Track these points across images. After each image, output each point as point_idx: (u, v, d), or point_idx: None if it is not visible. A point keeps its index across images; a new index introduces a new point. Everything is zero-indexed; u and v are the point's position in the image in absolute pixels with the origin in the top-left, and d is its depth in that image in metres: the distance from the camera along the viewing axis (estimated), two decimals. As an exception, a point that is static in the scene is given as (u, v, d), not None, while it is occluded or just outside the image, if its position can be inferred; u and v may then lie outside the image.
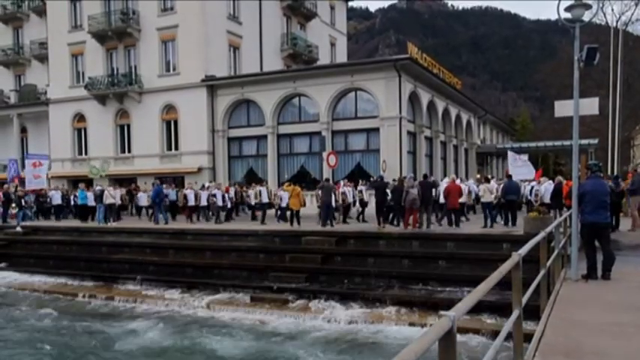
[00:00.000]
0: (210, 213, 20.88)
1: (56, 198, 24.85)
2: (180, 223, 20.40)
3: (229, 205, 21.21)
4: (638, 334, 5.23)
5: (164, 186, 22.24)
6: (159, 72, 28.98)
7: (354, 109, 25.43)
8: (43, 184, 24.85)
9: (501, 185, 16.56)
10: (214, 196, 20.31)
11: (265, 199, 20.19)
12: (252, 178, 26.27)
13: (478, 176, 22.76)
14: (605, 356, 4.54)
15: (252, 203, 20.72)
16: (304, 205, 18.31)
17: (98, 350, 10.68)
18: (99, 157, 29.48)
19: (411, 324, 11.27)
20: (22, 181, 25.11)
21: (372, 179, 20.70)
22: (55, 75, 32.46)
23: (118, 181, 28.52)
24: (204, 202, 20.72)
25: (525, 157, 19.67)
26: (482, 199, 16.30)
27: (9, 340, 11.56)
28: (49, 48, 32.78)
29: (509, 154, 20.00)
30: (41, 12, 34.57)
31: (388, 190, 16.96)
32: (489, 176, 21.66)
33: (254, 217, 20.89)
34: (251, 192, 20.89)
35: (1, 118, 35.90)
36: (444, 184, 17.78)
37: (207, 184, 22.61)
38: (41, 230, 21.52)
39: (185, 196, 20.97)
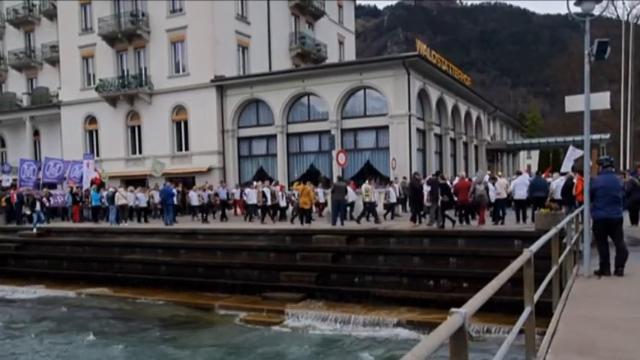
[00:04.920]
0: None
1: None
2: (204, 224, 20.48)
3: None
4: (651, 330, 5.19)
5: (219, 186, 22.54)
6: (169, 73, 29.15)
7: (363, 107, 25.41)
8: (87, 185, 24.93)
9: (513, 181, 16.49)
10: (293, 195, 19.62)
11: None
12: (263, 177, 26.28)
13: (489, 172, 22.60)
14: (619, 352, 4.52)
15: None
16: (315, 203, 18.32)
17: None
18: (109, 158, 29.76)
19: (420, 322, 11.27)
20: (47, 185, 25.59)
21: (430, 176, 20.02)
22: (66, 78, 32.78)
23: (129, 182, 28.71)
24: (283, 203, 20.06)
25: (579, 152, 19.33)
26: (497, 196, 16.15)
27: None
28: (60, 51, 33.11)
29: (571, 147, 19.79)
30: (52, 15, 34.90)
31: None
32: (499, 173, 21.56)
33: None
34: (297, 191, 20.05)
35: (14, 122, 36.32)
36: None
37: (255, 183, 22.32)
38: (54, 232, 21.73)
39: (263, 194, 19.70)
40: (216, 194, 21.75)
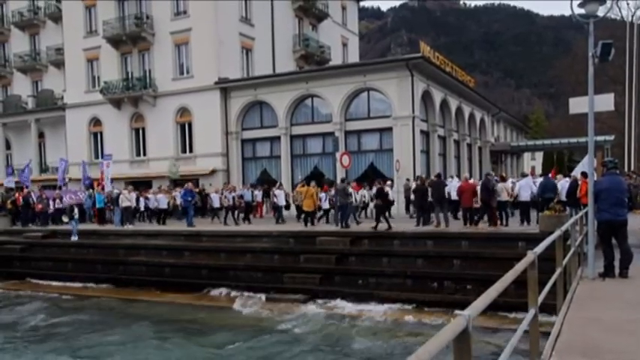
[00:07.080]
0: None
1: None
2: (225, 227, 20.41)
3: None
4: (656, 333, 5.17)
5: (244, 186, 22.48)
6: (173, 75, 29.24)
7: (366, 109, 25.41)
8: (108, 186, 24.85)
9: (517, 183, 16.47)
10: (350, 195, 18.26)
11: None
12: (266, 179, 26.38)
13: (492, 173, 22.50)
14: (623, 354, 4.51)
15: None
16: (318, 206, 18.30)
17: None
18: (113, 160, 29.82)
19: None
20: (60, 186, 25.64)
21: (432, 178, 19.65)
22: (71, 80, 32.92)
23: (133, 184, 28.78)
24: (326, 205, 19.14)
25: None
26: (499, 198, 16.13)
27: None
28: (65, 53, 33.27)
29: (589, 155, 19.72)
30: (57, 18, 35.07)
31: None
32: (504, 174, 21.47)
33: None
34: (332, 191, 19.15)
35: (19, 124, 36.50)
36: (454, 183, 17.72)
37: (278, 184, 22.18)
38: (59, 233, 21.79)
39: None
40: (241, 196, 21.11)
